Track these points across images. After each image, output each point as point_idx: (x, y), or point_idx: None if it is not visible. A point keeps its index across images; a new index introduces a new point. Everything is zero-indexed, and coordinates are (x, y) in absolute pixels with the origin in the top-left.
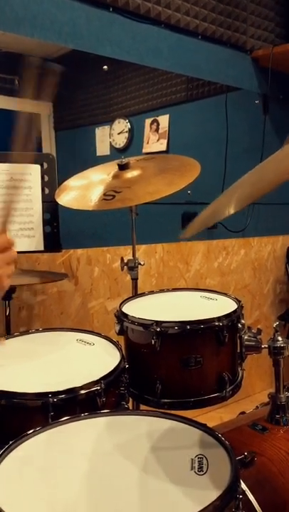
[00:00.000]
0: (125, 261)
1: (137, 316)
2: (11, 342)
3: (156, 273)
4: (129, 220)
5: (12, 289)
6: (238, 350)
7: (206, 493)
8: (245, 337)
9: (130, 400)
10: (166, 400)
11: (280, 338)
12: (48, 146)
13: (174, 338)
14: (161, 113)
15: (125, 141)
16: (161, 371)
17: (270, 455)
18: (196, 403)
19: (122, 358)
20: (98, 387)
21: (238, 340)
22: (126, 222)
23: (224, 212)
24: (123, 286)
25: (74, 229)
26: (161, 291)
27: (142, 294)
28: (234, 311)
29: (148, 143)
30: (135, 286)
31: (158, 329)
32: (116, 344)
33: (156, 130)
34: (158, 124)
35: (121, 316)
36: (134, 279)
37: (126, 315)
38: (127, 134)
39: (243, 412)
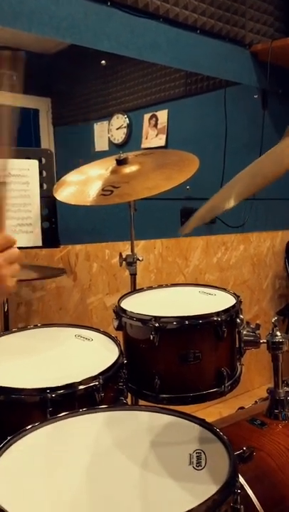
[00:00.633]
0: (124, 256)
1: (136, 312)
2: (9, 338)
3: (155, 268)
4: (127, 215)
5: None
6: (237, 346)
7: (205, 488)
8: (244, 332)
9: (129, 395)
10: (164, 395)
11: (278, 333)
12: (47, 142)
13: (172, 334)
14: (160, 108)
15: (124, 136)
16: (160, 366)
17: (268, 450)
18: (194, 398)
19: (121, 353)
20: (97, 383)
21: (237, 336)
22: (124, 218)
23: (222, 207)
24: (122, 281)
25: (72, 224)
26: (160, 286)
27: (141, 290)
28: (233, 306)
29: (147, 138)
30: (134, 282)
31: (156, 324)
32: (114, 340)
33: (155, 125)
34: (157, 119)
35: (119, 312)
36: (133, 275)
37: (124, 310)
38: (125, 129)
39: (242, 407)
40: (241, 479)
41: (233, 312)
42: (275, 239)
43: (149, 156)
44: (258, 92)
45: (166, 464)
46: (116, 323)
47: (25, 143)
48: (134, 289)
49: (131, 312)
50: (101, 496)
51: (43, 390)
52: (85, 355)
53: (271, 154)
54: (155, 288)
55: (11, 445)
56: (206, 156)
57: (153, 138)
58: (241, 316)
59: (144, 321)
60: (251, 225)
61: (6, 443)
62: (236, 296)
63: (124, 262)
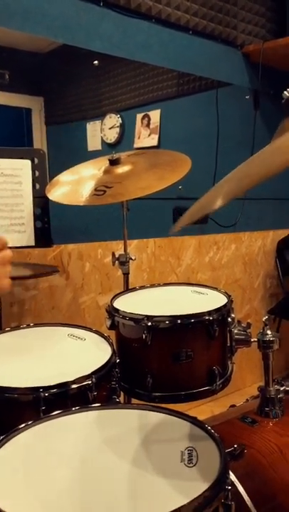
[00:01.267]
0: (116, 256)
1: (128, 311)
2: (2, 337)
3: (147, 268)
4: (120, 215)
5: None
6: (228, 344)
7: (196, 485)
8: (235, 331)
9: (121, 393)
10: (157, 394)
11: (269, 332)
12: (39, 141)
13: (164, 333)
14: (153, 108)
15: (116, 136)
16: (152, 365)
17: (259, 447)
18: (186, 396)
19: (113, 352)
20: (89, 382)
21: (228, 334)
22: (117, 218)
23: (211, 206)
24: (114, 281)
25: (65, 224)
26: (153, 285)
27: (134, 289)
28: (224, 306)
29: (139, 138)
30: (126, 281)
31: (149, 324)
32: (107, 339)
33: (148, 125)
34: (149, 119)
35: (112, 311)
36: (126, 274)
37: (117, 310)
38: (118, 129)
39: (233, 405)
40: (232, 476)
41: (224, 311)
42: (266, 238)
43: (142, 156)
44: (250, 93)
45: (157, 461)
46: (109, 323)
47: (17, 142)
48: (127, 289)
49: (124, 311)
50: (91, 494)
51: (36, 389)
52: (77, 354)
53: (261, 155)
54: (148, 287)
55: (3, 444)
56: (198, 156)
57: (145, 138)
58: (233, 315)
59: (137, 320)
60: (243, 224)
61: None
62: (228, 296)
63: (116, 262)
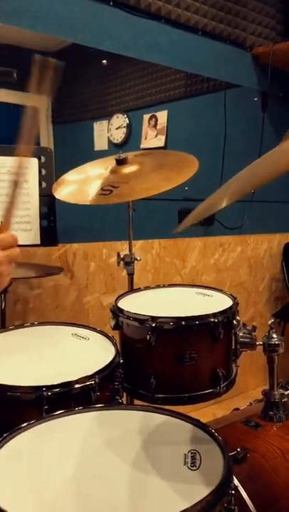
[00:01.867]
0: (122, 256)
1: (133, 311)
2: (6, 335)
3: (152, 268)
4: (125, 215)
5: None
6: (233, 347)
7: (199, 488)
8: (240, 334)
9: (124, 394)
10: (160, 395)
11: (274, 336)
12: (46, 140)
13: (169, 334)
14: (160, 109)
15: (123, 136)
16: (156, 366)
17: (262, 451)
18: (190, 399)
19: (117, 352)
20: (92, 382)
21: (233, 337)
22: (122, 218)
23: (216, 206)
24: (119, 281)
25: (70, 223)
26: (158, 286)
27: (138, 290)
28: (230, 308)
29: (146, 138)
30: (131, 282)
31: (153, 324)
32: (111, 339)
33: (155, 126)
34: (156, 120)
35: (116, 311)
36: (130, 275)
37: (121, 310)
38: (125, 129)
39: (236, 409)
40: (235, 480)
41: (229, 314)
42: (273, 241)
43: (149, 156)
44: (258, 95)
45: (160, 463)
46: (113, 323)
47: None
48: (132, 289)
49: (128, 312)
50: (92, 495)
51: (39, 388)
52: (81, 353)
53: (268, 157)
54: (153, 288)
55: (5, 443)
56: (204, 158)
57: (152, 138)
58: (238, 318)
59: (141, 320)
60: (249, 227)
61: (1, 440)
62: (233, 298)
63: (121, 262)
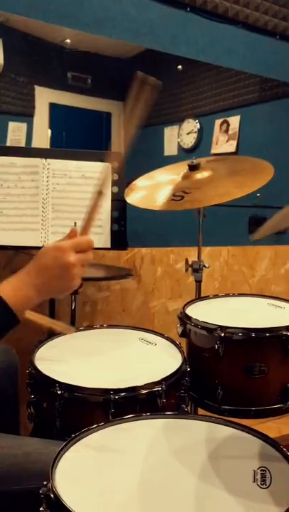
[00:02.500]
0: (190, 263)
1: (201, 320)
2: (75, 336)
3: (219, 276)
4: (193, 220)
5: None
6: None
7: (269, 508)
8: None
9: (189, 402)
10: (226, 407)
11: None
12: (117, 145)
13: (238, 345)
14: (232, 114)
15: (193, 141)
16: (224, 377)
17: None
18: (257, 413)
19: (184, 360)
20: (159, 388)
21: None
22: (191, 223)
23: None
24: (185, 287)
25: (140, 228)
26: (227, 295)
27: (207, 297)
28: None
29: (217, 144)
30: (199, 289)
31: (222, 334)
32: (178, 346)
33: (226, 131)
34: (228, 125)
35: (184, 318)
36: (198, 282)
37: (189, 317)
38: (195, 135)
39: None
40: None
41: None
42: None
43: (222, 162)
44: None
45: (227, 477)
46: (180, 330)
47: (97, 145)
48: (200, 296)
49: (196, 320)
50: (154, 504)
51: (106, 391)
52: (148, 359)
53: None
54: (222, 296)
55: (74, 443)
56: (277, 164)
57: (223, 144)
58: None
59: (210, 329)
60: None
61: (70, 440)
62: None
63: (190, 268)
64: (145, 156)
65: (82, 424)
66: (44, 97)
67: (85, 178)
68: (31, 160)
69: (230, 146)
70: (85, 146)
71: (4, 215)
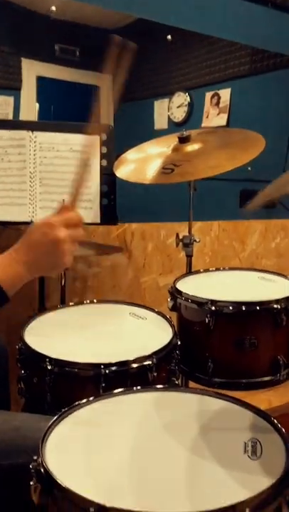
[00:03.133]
0: (180, 237)
1: (192, 294)
2: (65, 312)
3: (210, 251)
4: (184, 195)
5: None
6: None
7: (259, 479)
8: None
9: (180, 376)
10: (217, 380)
11: None
12: (106, 119)
13: (228, 318)
14: (223, 86)
15: (184, 114)
16: (214, 350)
17: None
18: (247, 385)
19: (175, 334)
20: (150, 362)
21: None
22: (181, 198)
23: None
24: (176, 262)
25: (129, 203)
26: (218, 269)
27: (197, 272)
28: None
29: (208, 117)
30: (189, 264)
31: (213, 308)
32: (168, 320)
33: (217, 104)
34: (219, 98)
35: (175, 293)
36: (189, 256)
37: (180, 292)
38: (186, 108)
39: None
40: None
41: None
42: None
43: (213, 134)
44: None
45: (219, 450)
46: (170, 304)
47: (85, 118)
48: (190, 271)
49: (186, 294)
50: (148, 476)
51: (97, 366)
52: (138, 333)
53: None
54: (212, 271)
55: (64, 417)
56: (269, 138)
57: (214, 117)
58: None
59: (200, 303)
60: None
61: (61, 414)
62: None
63: (180, 243)
64: (135, 131)
65: (73, 399)
66: (31, 70)
67: (73, 151)
68: (18, 133)
69: (221, 120)
70: (74, 120)
71: None
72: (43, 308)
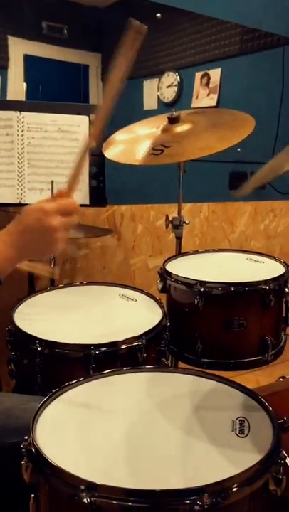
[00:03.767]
0: (170, 219)
1: (181, 275)
2: (55, 293)
3: (199, 233)
4: (174, 177)
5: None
6: (283, 315)
7: (247, 456)
8: None
9: (170, 356)
10: (206, 360)
11: None
12: (95, 98)
13: (217, 299)
14: (213, 66)
15: (174, 95)
16: (203, 331)
17: None
18: (236, 365)
19: (164, 315)
20: (140, 343)
21: (284, 305)
22: (171, 180)
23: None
24: (166, 244)
25: (119, 184)
26: (207, 251)
27: (187, 253)
28: (282, 275)
29: (197, 97)
30: (179, 245)
31: (202, 289)
32: (158, 301)
33: (207, 84)
34: (209, 78)
35: (164, 274)
36: (179, 238)
37: (169, 273)
38: (176, 88)
39: (283, 377)
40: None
41: (281, 281)
42: None
43: (202, 114)
44: None
45: (208, 428)
46: (160, 286)
47: (74, 98)
48: (180, 253)
49: (176, 275)
50: (140, 454)
51: (86, 347)
52: (128, 314)
53: None
54: (202, 252)
55: (54, 398)
56: (259, 119)
57: (204, 97)
58: None
59: (190, 285)
60: None
61: (51, 395)
62: (286, 265)
63: (170, 225)
64: (124, 111)
65: (63, 380)
66: (18, 48)
67: (61, 131)
68: (4, 113)
69: (211, 100)
70: (63, 99)
71: None
72: (32, 290)
